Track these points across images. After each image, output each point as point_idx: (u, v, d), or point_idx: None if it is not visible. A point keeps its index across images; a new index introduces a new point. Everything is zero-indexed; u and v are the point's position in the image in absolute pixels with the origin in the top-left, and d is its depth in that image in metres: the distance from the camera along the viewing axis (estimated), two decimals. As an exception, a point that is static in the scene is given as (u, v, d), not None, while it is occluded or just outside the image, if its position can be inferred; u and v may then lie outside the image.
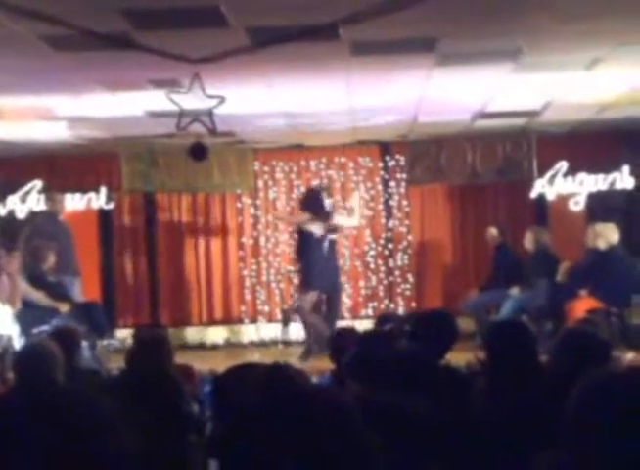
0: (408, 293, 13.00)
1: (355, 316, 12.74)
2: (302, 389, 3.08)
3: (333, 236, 11.35)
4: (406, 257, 13.03)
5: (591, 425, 2.34)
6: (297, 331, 12.01)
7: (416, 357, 4.66)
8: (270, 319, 12.81)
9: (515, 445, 3.97)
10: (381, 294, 12.97)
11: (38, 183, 12.31)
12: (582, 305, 9.99)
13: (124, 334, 11.54)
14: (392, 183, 13.01)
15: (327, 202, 11.28)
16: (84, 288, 11.60)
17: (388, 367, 4.49)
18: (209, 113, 7.52)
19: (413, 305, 12.87)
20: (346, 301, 12.94)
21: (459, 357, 8.46)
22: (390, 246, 13.00)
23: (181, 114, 7.50)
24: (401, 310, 12.71)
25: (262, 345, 12.25)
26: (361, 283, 13.01)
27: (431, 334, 5.38)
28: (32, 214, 12.10)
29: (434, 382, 4.54)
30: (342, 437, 2.23)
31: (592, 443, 2.32)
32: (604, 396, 2.35)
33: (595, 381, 2.43)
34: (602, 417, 2.32)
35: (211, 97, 7.35)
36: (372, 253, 13.01)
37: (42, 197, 12.02)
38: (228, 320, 12.94)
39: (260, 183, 12.96)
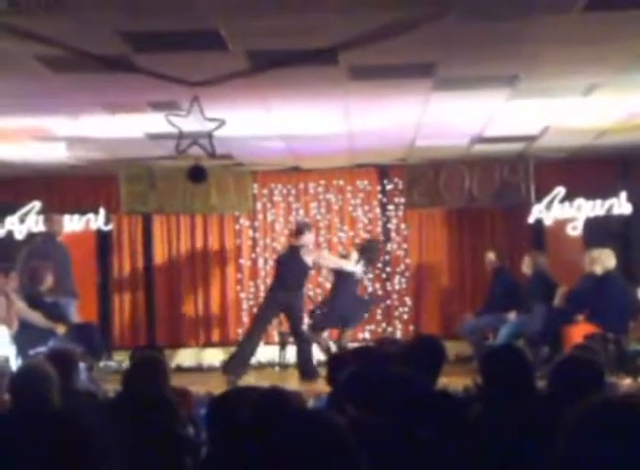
0: (406, 316, 13.00)
1: (353, 340, 12.71)
2: (298, 412, 3.08)
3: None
4: (404, 280, 13.04)
5: (584, 454, 2.34)
6: (293, 354, 12.00)
7: (412, 380, 4.66)
8: (267, 342, 12.79)
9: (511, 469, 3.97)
10: (378, 317, 12.96)
11: (37, 204, 12.33)
12: (579, 331, 9.98)
13: (122, 356, 11.52)
14: (390, 207, 13.04)
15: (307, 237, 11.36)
16: (82, 309, 11.59)
17: (384, 390, 4.49)
18: (208, 135, 7.54)
19: (411, 328, 12.87)
20: (344, 324, 12.94)
21: (456, 381, 8.47)
22: (388, 269, 13.01)
23: (180, 136, 7.52)
24: (399, 334, 12.70)
25: (259, 367, 12.21)
26: (359, 306, 12.99)
27: (423, 359, 5.38)
28: (31, 235, 12.10)
29: (430, 405, 4.54)
30: (335, 461, 2.24)
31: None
32: (597, 427, 2.35)
33: (587, 414, 2.44)
34: (596, 448, 2.32)
35: (211, 120, 7.37)
36: (370, 276, 13.01)
37: (41, 218, 12.03)
38: (225, 342, 12.91)
39: (259, 205, 12.98)
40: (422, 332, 11.97)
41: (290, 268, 11.04)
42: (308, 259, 11.14)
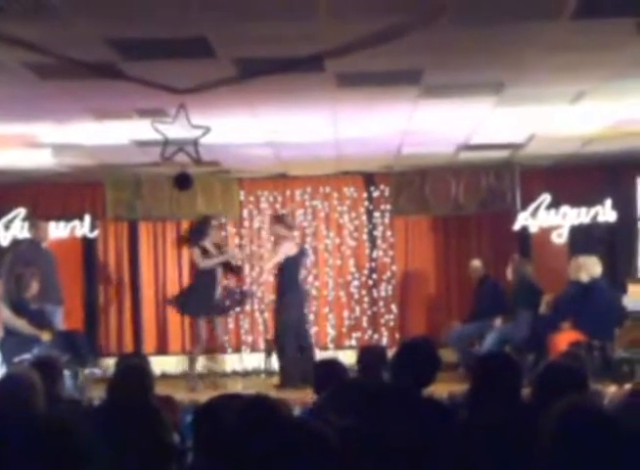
0: (392, 323, 13.00)
1: (339, 347, 12.73)
2: (284, 420, 3.08)
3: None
4: (390, 287, 13.04)
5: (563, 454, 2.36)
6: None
7: (397, 388, 4.66)
8: (253, 349, 12.78)
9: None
10: (364, 324, 12.96)
11: (22, 211, 12.30)
12: (565, 338, 10.00)
13: (108, 363, 11.48)
14: (377, 214, 13.05)
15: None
16: (67, 316, 11.57)
17: (370, 398, 4.49)
18: (194, 142, 7.54)
19: (397, 335, 12.87)
20: (330, 331, 12.95)
21: (442, 389, 8.48)
22: (374, 276, 13.02)
23: (166, 143, 7.51)
24: (385, 341, 12.70)
25: (245, 374, 12.20)
26: (345, 313, 13.00)
27: (413, 364, 5.30)
28: (16, 242, 12.07)
29: (415, 412, 4.54)
30: (323, 468, 2.23)
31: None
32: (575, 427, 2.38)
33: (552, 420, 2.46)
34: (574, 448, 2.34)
35: (197, 127, 7.37)
36: (356, 283, 13.02)
37: (26, 224, 11.99)
38: (211, 350, 12.89)
39: (245, 212, 12.97)
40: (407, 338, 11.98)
41: None
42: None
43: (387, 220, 13.04)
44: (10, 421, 4.45)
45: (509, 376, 4.52)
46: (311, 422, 2.29)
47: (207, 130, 7.50)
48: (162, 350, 12.92)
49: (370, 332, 12.92)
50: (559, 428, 2.44)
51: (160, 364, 11.69)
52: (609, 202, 12.24)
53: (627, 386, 8.88)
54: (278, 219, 11.63)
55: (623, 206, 12.23)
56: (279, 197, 13.09)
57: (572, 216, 12.38)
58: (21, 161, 10.70)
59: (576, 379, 4.50)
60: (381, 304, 13.03)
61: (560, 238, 12.41)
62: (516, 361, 4.78)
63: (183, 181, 8.07)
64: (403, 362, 5.24)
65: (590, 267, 10.61)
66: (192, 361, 11.20)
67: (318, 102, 8.06)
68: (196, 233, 11.26)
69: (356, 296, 13.01)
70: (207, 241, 11.19)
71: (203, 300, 11.00)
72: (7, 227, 12.31)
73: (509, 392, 4.48)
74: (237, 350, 12.83)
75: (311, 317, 12.89)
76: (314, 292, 12.97)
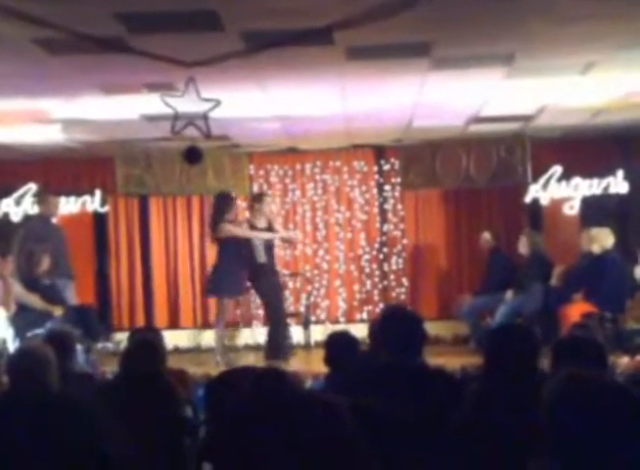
0: (403, 297, 13.00)
1: (350, 320, 12.74)
2: (295, 393, 3.08)
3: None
4: (401, 261, 13.04)
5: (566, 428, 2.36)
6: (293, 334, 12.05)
7: (407, 363, 4.63)
8: (265, 323, 12.80)
9: (508, 450, 3.97)
10: (375, 298, 12.97)
11: (33, 186, 12.32)
12: (577, 310, 9.99)
13: (120, 337, 11.52)
14: (387, 187, 13.03)
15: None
16: (79, 291, 11.59)
17: (382, 373, 4.48)
18: (204, 116, 7.52)
19: (408, 308, 12.86)
20: (341, 305, 12.96)
21: (454, 361, 8.50)
22: (385, 250, 13.01)
23: (175, 117, 7.49)
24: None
25: (257, 348, 12.22)
26: (356, 287, 13.01)
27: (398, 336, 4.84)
28: (27, 218, 12.10)
29: (427, 387, 4.53)
30: (333, 441, 2.23)
31: (572, 446, 2.34)
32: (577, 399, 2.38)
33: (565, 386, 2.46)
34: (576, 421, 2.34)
35: (206, 100, 7.35)
36: (367, 257, 13.02)
37: (36, 200, 12.01)
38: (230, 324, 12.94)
39: (255, 187, 12.96)
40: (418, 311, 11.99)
41: None
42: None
43: (397, 194, 13.01)
44: (24, 397, 4.47)
45: (525, 348, 4.46)
46: (323, 395, 2.29)
47: (218, 103, 7.46)
48: (174, 324, 12.96)
49: (381, 305, 12.91)
50: (556, 395, 2.44)
51: (171, 338, 11.73)
52: (620, 173, 12.19)
53: (639, 358, 8.89)
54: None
55: (635, 177, 12.18)
56: (289, 171, 13.07)
57: (584, 188, 12.33)
58: (31, 136, 10.71)
59: (596, 351, 4.49)
60: (392, 277, 13.02)
61: (571, 210, 12.38)
62: (531, 331, 4.70)
63: (193, 155, 8.05)
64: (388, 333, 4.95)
65: (602, 239, 10.58)
66: (220, 338, 11.04)
67: (327, 75, 8.03)
68: (217, 212, 11.05)
69: (367, 270, 13.01)
70: (231, 215, 11.00)
71: (229, 279, 10.88)
72: (18, 203, 12.34)
73: (525, 363, 4.43)
74: (248, 324, 12.84)
75: (322, 291, 12.92)
76: (325, 266, 12.97)
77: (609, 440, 2.37)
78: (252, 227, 10.94)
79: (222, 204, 10.98)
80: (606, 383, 2.56)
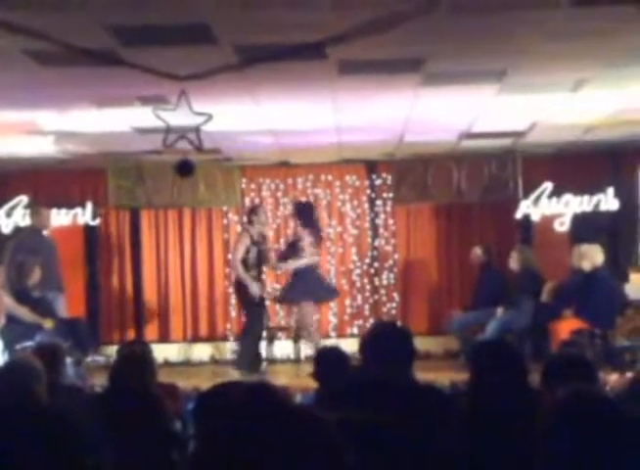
0: (394, 312, 13.00)
1: (341, 335, 12.73)
2: (284, 408, 3.06)
3: None
4: (392, 275, 13.04)
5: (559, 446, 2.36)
6: (281, 349, 12.03)
7: (396, 379, 4.62)
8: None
9: (500, 463, 3.97)
10: (366, 312, 12.97)
11: (24, 198, 12.30)
12: (567, 326, 10.00)
13: (110, 350, 11.49)
14: (379, 202, 13.04)
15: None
16: (69, 304, 11.56)
17: (371, 388, 4.47)
18: (196, 130, 7.52)
19: (398, 323, 12.85)
20: (332, 319, 12.95)
21: (443, 377, 8.49)
22: (376, 264, 13.01)
23: (168, 130, 7.49)
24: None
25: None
26: (347, 301, 13.00)
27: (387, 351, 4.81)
28: (17, 230, 12.08)
29: (414, 402, 4.52)
30: (321, 458, 2.22)
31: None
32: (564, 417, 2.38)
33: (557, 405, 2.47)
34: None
35: (198, 114, 7.35)
36: (358, 271, 13.02)
37: (28, 212, 11.99)
38: (213, 337, 12.91)
39: (247, 200, 12.96)
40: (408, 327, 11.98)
41: None
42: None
43: (389, 208, 13.03)
44: (13, 409, 4.45)
45: (508, 363, 4.49)
46: (312, 411, 2.28)
47: (210, 117, 7.48)
48: (164, 337, 12.93)
49: (372, 320, 12.90)
50: (561, 412, 2.44)
51: (161, 352, 11.70)
52: (611, 190, 12.23)
53: (629, 374, 8.88)
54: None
55: (625, 194, 12.21)
56: (281, 185, 13.08)
57: (575, 205, 12.36)
58: (22, 148, 10.70)
59: (585, 368, 4.50)
60: (382, 292, 13.02)
61: (562, 226, 12.40)
62: (513, 348, 4.75)
63: (185, 168, 8.04)
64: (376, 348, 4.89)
65: (592, 256, 10.60)
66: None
67: (320, 89, 8.05)
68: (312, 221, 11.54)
69: (358, 284, 13.01)
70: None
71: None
72: (9, 215, 12.32)
73: (510, 379, 4.45)
74: (239, 338, 12.80)
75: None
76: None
77: (612, 459, 2.37)
78: (252, 240, 11.11)
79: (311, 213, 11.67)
80: (607, 400, 2.56)
